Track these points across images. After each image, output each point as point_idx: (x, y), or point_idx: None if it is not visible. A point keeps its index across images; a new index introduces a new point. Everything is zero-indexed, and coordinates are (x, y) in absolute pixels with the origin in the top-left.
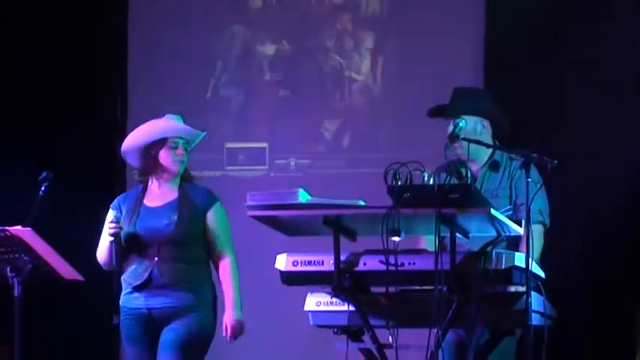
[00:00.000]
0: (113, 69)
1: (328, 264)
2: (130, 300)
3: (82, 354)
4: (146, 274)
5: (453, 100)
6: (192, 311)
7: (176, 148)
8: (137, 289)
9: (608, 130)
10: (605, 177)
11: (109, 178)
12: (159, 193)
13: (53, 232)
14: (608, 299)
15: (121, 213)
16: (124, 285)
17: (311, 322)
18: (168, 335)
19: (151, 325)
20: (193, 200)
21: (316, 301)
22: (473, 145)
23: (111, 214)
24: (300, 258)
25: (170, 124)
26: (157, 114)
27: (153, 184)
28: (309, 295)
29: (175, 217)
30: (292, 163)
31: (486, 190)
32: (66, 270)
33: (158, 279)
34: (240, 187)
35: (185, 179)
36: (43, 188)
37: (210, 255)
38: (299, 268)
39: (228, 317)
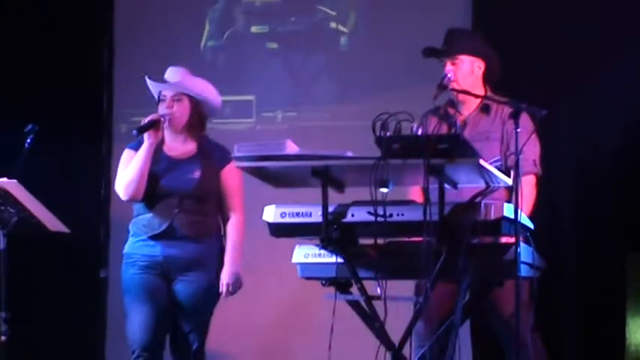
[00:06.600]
0: (99, 21)
1: (316, 215)
2: (143, 247)
3: (68, 307)
4: (165, 225)
5: (447, 40)
6: (207, 264)
7: (163, 100)
8: (154, 238)
9: (603, 78)
10: (597, 125)
11: (96, 130)
12: (176, 144)
13: (39, 184)
14: (599, 250)
15: None
16: (134, 232)
17: (299, 275)
18: (187, 286)
19: (163, 272)
20: (212, 155)
21: (304, 254)
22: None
23: (130, 153)
24: (288, 209)
25: (165, 77)
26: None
27: (165, 134)
28: (297, 247)
29: (199, 172)
30: (279, 116)
31: (478, 133)
32: (51, 222)
33: (178, 230)
34: (227, 140)
35: (198, 131)
36: (29, 141)
37: (220, 209)
38: (287, 219)
39: (225, 274)
